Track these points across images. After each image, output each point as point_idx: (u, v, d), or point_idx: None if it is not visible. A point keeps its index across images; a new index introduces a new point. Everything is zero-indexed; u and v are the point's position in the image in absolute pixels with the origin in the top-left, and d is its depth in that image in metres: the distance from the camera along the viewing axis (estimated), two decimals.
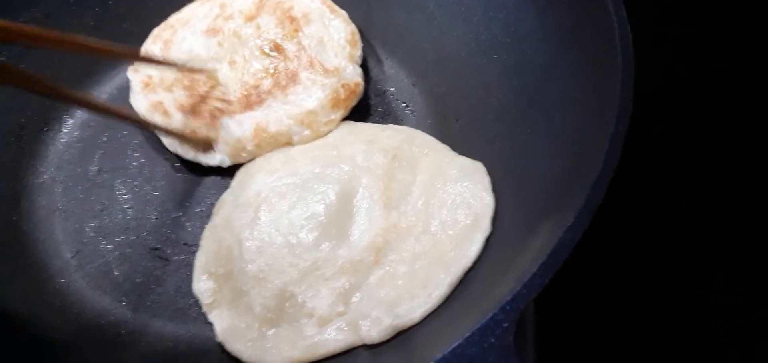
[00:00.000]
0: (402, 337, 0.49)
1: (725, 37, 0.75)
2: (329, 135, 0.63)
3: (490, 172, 0.58)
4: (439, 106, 0.67)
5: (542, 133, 0.55)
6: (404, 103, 0.69)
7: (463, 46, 0.67)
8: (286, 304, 0.53)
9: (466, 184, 0.56)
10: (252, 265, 0.55)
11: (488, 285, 0.48)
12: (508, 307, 0.35)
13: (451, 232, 0.54)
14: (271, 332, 0.53)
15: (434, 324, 0.49)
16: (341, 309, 0.52)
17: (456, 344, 0.34)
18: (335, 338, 0.50)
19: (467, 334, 0.34)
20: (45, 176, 0.66)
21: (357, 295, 0.52)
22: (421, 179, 0.58)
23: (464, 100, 0.65)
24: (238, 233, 0.56)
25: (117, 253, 0.61)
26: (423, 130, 0.65)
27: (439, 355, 0.34)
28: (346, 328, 0.50)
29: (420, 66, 0.70)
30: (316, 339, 0.51)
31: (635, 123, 0.44)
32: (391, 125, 0.65)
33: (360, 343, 0.50)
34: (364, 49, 0.70)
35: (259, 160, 0.63)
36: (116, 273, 0.60)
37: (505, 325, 0.34)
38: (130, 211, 0.63)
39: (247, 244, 0.55)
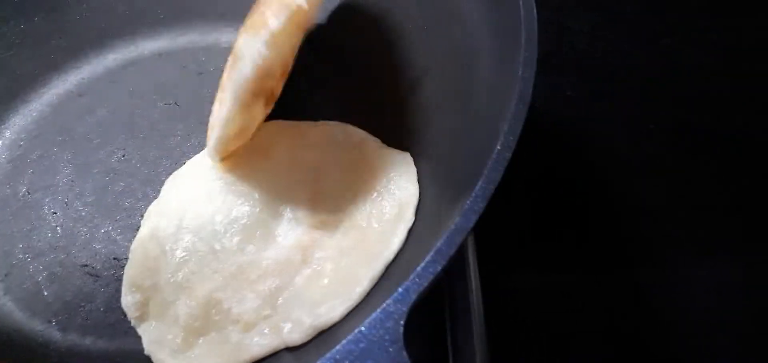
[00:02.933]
0: (325, 335, 0.48)
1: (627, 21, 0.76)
2: (257, 137, 0.63)
3: (419, 161, 0.57)
4: (369, 97, 0.66)
5: (462, 119, 0.54)
6: (336, 97, 0.68)
7: (384, 36, 0.66)
8: (213, 312, 0.52)
9: (392, 174, 0.56)
10: (177, 274, 0.54)
11: (407, 277, 0.47)
12: (400, 298, 0.34)
13: (376, 225, 0.53)
14: (198, 341, 0.52)
15: (357, 320, 0.48)
16: (267, 312, 0.51)
17: (346, 340, 0.33)
18: (259, 342, 0.50)
19: (357, 330, 0.34)
20: None
21: (283, 296, 0.52)
22: (349, 173, 0.58)
23: (395, 90, 0.64)
24: (163, 243, 0.55)
25: (46, 272, 0.59)
26: (355, 124, 0.64)
27: (328, 354, 0.33)
28: (268, 332, 0.50)
29: (344, 58, 0.69)
30: (239, 345, 0.50)
31: (545, 111, 0.43)
32: (322, 122, 0.64)
33: (283, 346, 0.49)
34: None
35: (186, 167, 0.62)
36: (46, 293, 0.58)
37: (396, 317, 0.34)
38: (59, 229, 0.62)
39: (172, 254, 0.55)
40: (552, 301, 0.63)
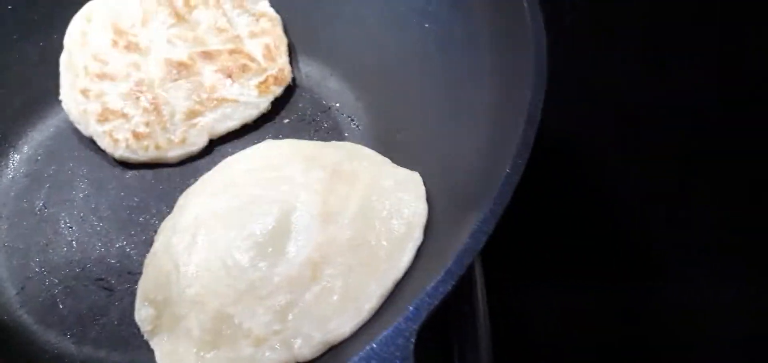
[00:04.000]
0: (334, 351, 0.49)
1: (641, 40, 0.77)
2: (272, 156, 0.64)
3: (429, 180, 0.58)
4: (382, 120, 0.68)
5: (471, 140, 0.55)
6: (349, 117, 0.70)
7: (401, 60, 0.67)
8: (223, 326, 0.53)
9: (400, 194, 0.57)
10: (189, 289, 0.55)
11: (418, 293, 0.48)
12: (411, 317, 0.35)
13: (385, 243, 0.54)
14: (210, 355, 0.53)
15: (366, 336, 0.49)
16: (278, 327, 0.52)
17: (356, 358, 0.34)
18: (270, 357, 0.50)
19: (368, 347, 0.34)
20: None
21: (293, 312, 0.53)
22: (360, 192, 0.59)
23: (404, 112, 0.66)
24: (176, 258, 0.57)
25: (62, 286, 0.61)
26: (367, 145, 0.65)
27: None
28: (279, 347, 0.51)
29: (362, 80, 0.71)
30: (251, 359, 0.51)
31: (549, 128, 0.44)
32: (333, 142, 0.66)
33: (293, 361, 0.50)
34: (309, 65, 0.72)
35: (199, 184, 0.63)
36: (61, 307, 0.60)
37: (407, 335, 0.35)
38: (74, 244, 0.63)
39: (184, 269, 0.56)
40: (557, 315, 0.64)
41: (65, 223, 0.65)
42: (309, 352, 0.49)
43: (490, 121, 0.51)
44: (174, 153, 0.67)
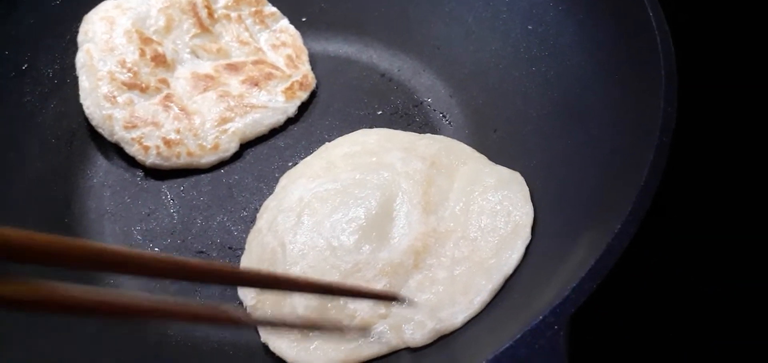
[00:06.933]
0: (445, 340, 0.50)
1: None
2: (368, 143, 0.65)
3: (529, 182, 0.59)
4: (476, 117, 0.69)
5: (581, 144, 0.55)
6: (441, 113, 0.71)
7: (501, 59, 0.68)
8: (329, 305, 0.54)
9: (505, 192, 0.57)
10: (295, 267, 0.56)
11: (529, 293, 0.49)
12: (558, 311, 0.36)
13: (491, 239, 0.55)
14: (314, 333, 0.54)
15: (475, 328, 0.50)
16: (383, 311, 0.53)
17: (507, 345, 0.35)
18: (379, 341, 0.52)
19: (518, 336, 0.35)
20: (94, 181, 0.68)
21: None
22: (459, 186, 0.60)
23: (502, 111, 0.67)
24: (282, 236, 0.58)
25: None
26: (460, 140, 0.66)
27: (490, 355, 0.35)
28: (389, 332, 0.52)
29: (457, 77, 0.71)
30: (359, 341, 0.52)
31: (677, 131, 0.45)
32: (429, 135, 0.67)
33: (403, 346, 0.51)
34: (402, 60, 0.73)
35: (300, 167, 0.64)
36: None
37: (556, 327, 0.35)
38: (176, 215, 0.65)
39: (291, 247, 0.57)
40: None
41: (166, 195, 0.67)
42: (421, 338, 0.50)
43: (610, 127, 0.52)
44: (207, 159, 0.67)
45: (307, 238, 0.57)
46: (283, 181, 0.64)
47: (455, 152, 0.63)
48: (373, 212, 0.58)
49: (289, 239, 0.58)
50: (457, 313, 0.51)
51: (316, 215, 0.58)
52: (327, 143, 0.67)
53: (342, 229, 0.57)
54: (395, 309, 0.53)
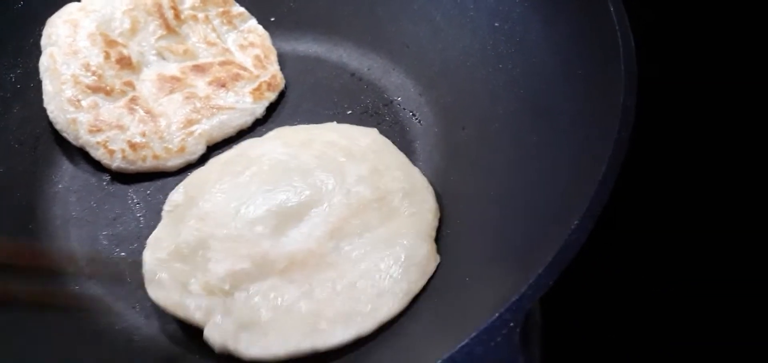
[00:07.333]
0: (395, 337, 0.50)
1: (729, 39, 0.76)
2: (357, 143, 0.63)
3: (493, 177, 0.59)
4: (445, 115, 0.68)
5: (547, 140, 0.56)
6: (411, 112, 0.70)
7: (468, 57, 0.68)
8: (200, 252, 0.56)
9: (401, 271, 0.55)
10: (206, 224, 0.58)
11: (493, 285, 0.49)
12: (514, 307, 0.36)
13: (363, 298, 0.54)
14: (177, 265, 0.56)
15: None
16: (226, 287, 0.54)
17: (463, 343, 0.35)
18: (197, 305, 0.54)
19: (474, 334, 0.35)
20: (59, 186, 0.67)
21: (247, 288, 0.54)
22: (379, 236, 0.57)
23: (470, 109, 0.67)
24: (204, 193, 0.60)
25: (130, 260, 0.62)
26: (430, 140, 0.67)
27: (446, 354, 0.35)
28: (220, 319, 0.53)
29: (426, 76, 0.71)
30: (187, 298, 0.54)
31: (637, 127, 0.45)
32: (417, 169, 0.63)
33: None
34: (372, 59, 0.73)
35: (289, 130, 0.66)
36: (129, 280, 0.60)
37: (511, 324, 0.35)
38: (142, 219, 0.64)
39: (203, 203, 0.59)
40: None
41: (132, 199, 0.66)
42: (214, 339, 0.52)
43: (575, 124, 0.52)
44: (173, 162, 0.66)
45: (224, 196, 0.59)
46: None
47: (415, 199, 0.60)
48: (289, 205, 0.58)
49: (207, 197, 0.60)
50: (261, 345, 0.51)
51: (253, 179, 0.60)
52: (333, 123, 0.67)
53: (255, 202, 0.58)
54: (236, 295, 0.54)
